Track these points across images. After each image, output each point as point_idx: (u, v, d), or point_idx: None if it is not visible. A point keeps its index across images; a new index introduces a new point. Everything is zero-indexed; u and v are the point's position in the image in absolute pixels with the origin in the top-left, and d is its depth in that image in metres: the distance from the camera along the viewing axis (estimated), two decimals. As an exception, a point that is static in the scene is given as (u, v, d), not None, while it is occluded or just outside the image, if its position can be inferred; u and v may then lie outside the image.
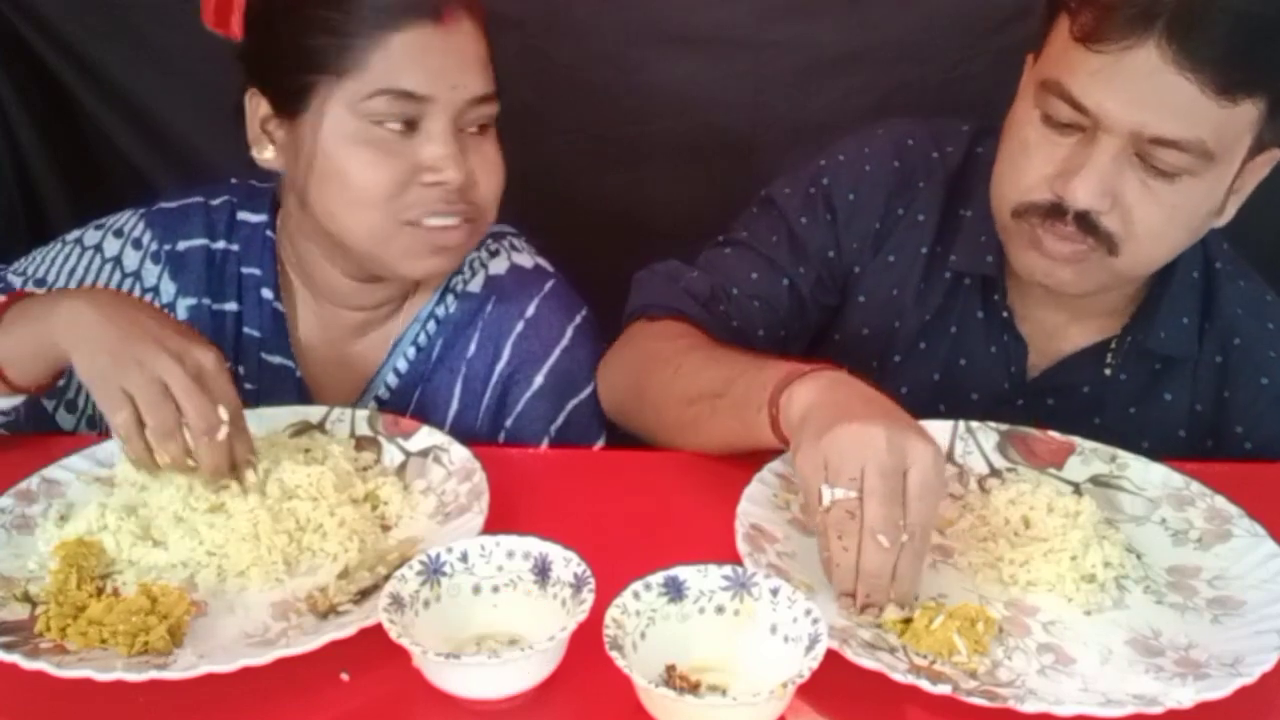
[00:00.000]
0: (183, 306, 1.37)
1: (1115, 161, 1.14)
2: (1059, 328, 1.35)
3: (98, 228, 1.39)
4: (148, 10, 1.70)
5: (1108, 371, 1.33)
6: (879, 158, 1.39)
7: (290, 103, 1.22)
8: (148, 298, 1.37)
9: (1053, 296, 1.29)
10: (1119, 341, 1.33)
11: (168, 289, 1.38)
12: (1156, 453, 1.21)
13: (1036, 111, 1.19)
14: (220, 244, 1.38)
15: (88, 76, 1.75)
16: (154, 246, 1.38)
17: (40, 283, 1.35)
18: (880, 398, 1.05)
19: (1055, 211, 1.18)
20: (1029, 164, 1.20)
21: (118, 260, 1.37)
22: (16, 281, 1.36)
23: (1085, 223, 1.17)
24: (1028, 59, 1.26)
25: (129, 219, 1.39)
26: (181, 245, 1.38)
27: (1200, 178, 1.15)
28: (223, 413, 1.06)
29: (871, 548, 0.95)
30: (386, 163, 1.21)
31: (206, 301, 1.38)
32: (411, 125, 1.21)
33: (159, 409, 1.05)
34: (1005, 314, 1.34)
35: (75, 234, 1.39)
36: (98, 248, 1.38)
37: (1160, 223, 1.17)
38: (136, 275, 1.37)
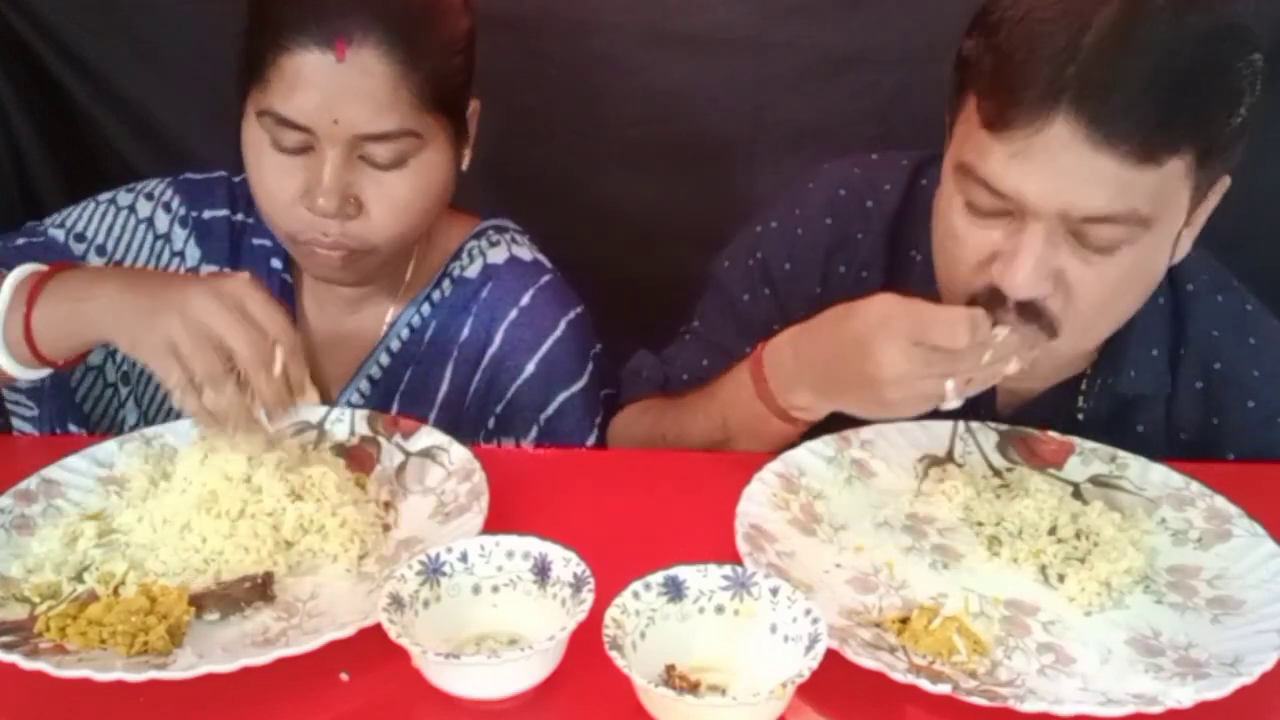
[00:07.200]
0: (205, 273, 1.40)
1: (1049, 243, 1.07)
2: (1027, 370, 1.26)
3: (129, 190, 1.43)
4: (146, 10, 1.71)
5: (1080, 416, 1.27)
6: (810, 219, 1.35)
7: (240, 98, 1.25)
8: (174, 262, 1.40)
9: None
10: (1089, 383, 1.27)
11: (193, 254, 1.41)
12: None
13: (959, 197, 1.12)
14: (240, 216, 1.42)
15: (86, 76, 1.75)
16: (182, 211, 1.41)
17: (80, 237, 1.38)
18: (797, 354, 1.14)
19: (998, 298, 1.09)
20: (960, 255, 1.13)
21: (150, 221, 1.41)
22: (58, 235, 1.38)
23: (1028, 310, 1.09)
24: (946, 118, 1.18)
25: (157, 184, 1.43)
26: (207, 214, 1.42)
27: (1141, 243, 1.08)
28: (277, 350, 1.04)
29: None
30: (281, 177, 1.23)
31: (227, 271, 1.40)
32: (308, 145, 1.21)
33: (202, 353, 1.02)
34: None
35: (108, 195, 1.42)
36: (131, 208, 1.41)
37: (1106, 297, 1.11)
38: (166, 238, 1.41)
